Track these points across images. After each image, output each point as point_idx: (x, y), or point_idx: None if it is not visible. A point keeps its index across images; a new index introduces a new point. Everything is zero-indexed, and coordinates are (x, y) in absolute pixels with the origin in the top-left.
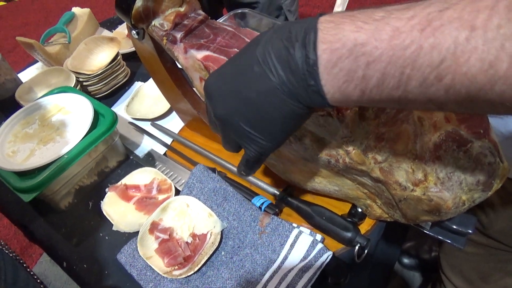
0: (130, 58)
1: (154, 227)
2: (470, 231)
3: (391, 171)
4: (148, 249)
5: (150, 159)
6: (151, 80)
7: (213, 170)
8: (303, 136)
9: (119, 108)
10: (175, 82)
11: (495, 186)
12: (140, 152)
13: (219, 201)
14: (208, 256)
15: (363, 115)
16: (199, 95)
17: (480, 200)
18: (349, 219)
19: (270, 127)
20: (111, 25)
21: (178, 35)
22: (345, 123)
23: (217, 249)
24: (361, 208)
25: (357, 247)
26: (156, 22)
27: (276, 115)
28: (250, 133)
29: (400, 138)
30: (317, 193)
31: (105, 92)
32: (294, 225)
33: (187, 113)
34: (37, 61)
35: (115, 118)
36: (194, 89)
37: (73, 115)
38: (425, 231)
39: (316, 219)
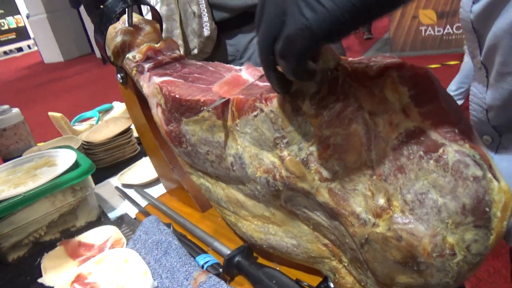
0: None
1: (77, 280)
2: None
3: (344, 196)
4: None
5: (119, 221)
6: None
7: (168, 225)
8: (243, 152)
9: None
10: (153, 131)
11: (495, 221)
12: (113, 215)
13: (159, 255)
14: None
15: (298, 108)
16: (158, 125)
17: (478, 248)
18: (307, 284)
19: None
20: None
21: (146, 66)
22: (274, 114)
23: None
24: (330, 279)
25: None
26: (130, 55)
27: None
28: None
29: (351, 144)
30: (281, 261)
31: (109, 163)
32: None
33: (168, 178)
34: None
35: (89, 168)
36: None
37: (58, 167)
38: None
39: (265, 283)
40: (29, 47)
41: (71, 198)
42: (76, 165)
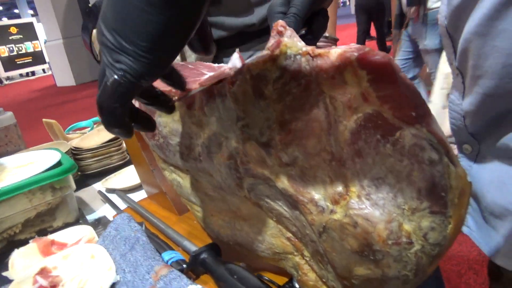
0: None
1: (41, 273)
2: None
3: (304, 183)
4: None
5: (96, 223)
6: None
7: (140, 224)
8: (210, 140)
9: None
10: (136, 133)
11: (452, 208)
12: (92, 217)
13: (125, 251)
14: None
15: (260, 91)
16: None
17: (436, 238)
18: (269, 280)
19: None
20: None
21: None
22: (236, 97)
23: None
24: (293, 276)
25: None
26: None
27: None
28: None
29: (311, 130)
30: (250, 262)
31: (96, 169)
32: (194, 284)
33: (149, 183)
34: None
35: (70, 168)
36: None
37: (40, 166)
38: None
39: (226, 279)
40: (43, 71)
41: (50, 197)
42: (58, 164)
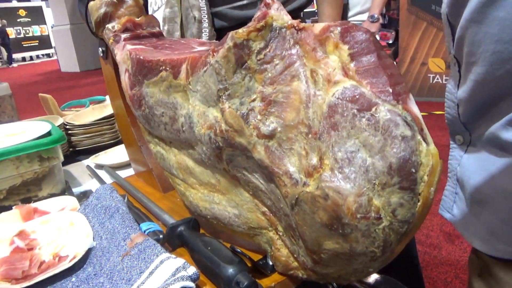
0: None
1: (19, 235)
2: None
3: (280, 155)
4: None
5: (81, 196)
6: None
7: (123, 196)
8: (193, 111)
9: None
10: (126, 108)
11: (421, 185)
12: (78, 190)
13: (105, 219)
14: (48, 275)
15: (243, 61)
16: (124, 91)
17: (405, 214)
18: (241, 252)
19: None
20: None
21: (123, 36)
22: (218, 64)
23: (71, 273)
24: (267, 252)
25: None
26: (109, 25)
27: None
28: None
29: (291, 102)
30: (227, 239)
31: (87, 146)
32: (168, 253)
33: (137, 160)
34: None
35: (59, 139)
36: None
37: (30, 135)
38: None
39: (200, 250)
40: (48, 55)
41: (37, 166)
42: (48, 135)
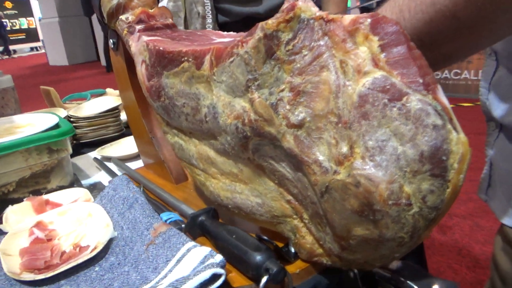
0: None
1: (37, 225)
2: None
3: (309, 144)
4: (14, 246)
5: (91, 188)
6: None
7: (138, 186)
8: (217, 101)
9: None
10: (138, 100)
11: (451, 172)
12: (87, 182)
13: (124, 210)
14: (71, 265)
15: (272, 51)
16: (140, 83)
17: (434, 201)
18: (267, 239)
19: None
20: None
21: (138, 27)
22: (248, 55)
23: (93, 263)
24: (290, 240)
25: (264, 279)
26: (123, 16)
27: None
28: None
29: (320, 92)
30: (247, 227)
31: (91, 138)
32: (193, 241)
33: (147, 152)
34: None
35: (69, 131)
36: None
37: (38, 127)
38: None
39: (225, 238)
40: (37, 49)
41: (46, 158)
42: (56, 127)
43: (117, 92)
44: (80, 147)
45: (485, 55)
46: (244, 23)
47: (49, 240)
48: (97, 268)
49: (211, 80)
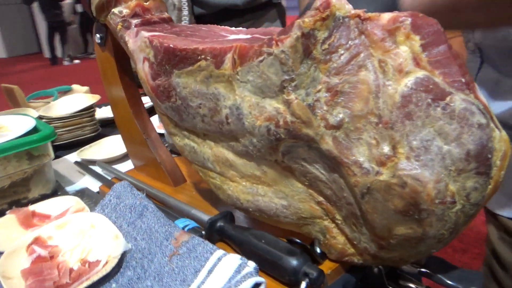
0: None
1: (36, 242)
2: None
3: (349, 145)
4: (13, 267)
5: (79, 195)
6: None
7: (141, 192)
8: (242, 102)
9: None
10: (129, 99)
11: (494, 169)
12: (72, 189)
13: (133, 219)
14: (85, 284)
15: (309, 50)
16: (141, 81)
17: (477, 197)
18: (300, 242)
19: None
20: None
21: (134, 21)
22: (285, 55)
23: (108, 279)
24: (318, 240)
25: (304, 284)
26: (116, 9)
27: None
28: None
29: (359, 92)
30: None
31: (67, 140)
32: (219, 249)
33: (138, 153)
34: None
35: (50, 134)
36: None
37: (13, 132)
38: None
39: (253, 244)
40: None
41: (26, 165)
42: (35, 130)
43: (84, 88)
44: (55, 150)
45: (467, 51)
46: (222, 15)
47: (52, 257)
48: (113, 285)
49: (234, 80)
